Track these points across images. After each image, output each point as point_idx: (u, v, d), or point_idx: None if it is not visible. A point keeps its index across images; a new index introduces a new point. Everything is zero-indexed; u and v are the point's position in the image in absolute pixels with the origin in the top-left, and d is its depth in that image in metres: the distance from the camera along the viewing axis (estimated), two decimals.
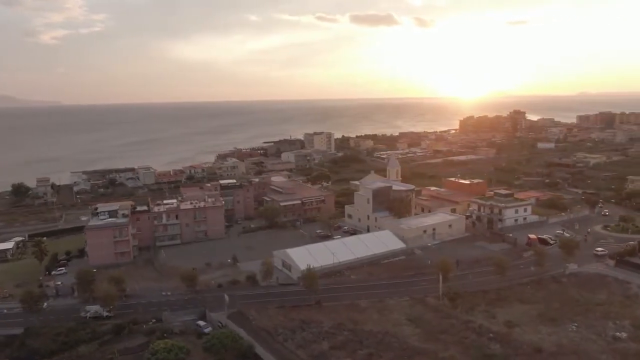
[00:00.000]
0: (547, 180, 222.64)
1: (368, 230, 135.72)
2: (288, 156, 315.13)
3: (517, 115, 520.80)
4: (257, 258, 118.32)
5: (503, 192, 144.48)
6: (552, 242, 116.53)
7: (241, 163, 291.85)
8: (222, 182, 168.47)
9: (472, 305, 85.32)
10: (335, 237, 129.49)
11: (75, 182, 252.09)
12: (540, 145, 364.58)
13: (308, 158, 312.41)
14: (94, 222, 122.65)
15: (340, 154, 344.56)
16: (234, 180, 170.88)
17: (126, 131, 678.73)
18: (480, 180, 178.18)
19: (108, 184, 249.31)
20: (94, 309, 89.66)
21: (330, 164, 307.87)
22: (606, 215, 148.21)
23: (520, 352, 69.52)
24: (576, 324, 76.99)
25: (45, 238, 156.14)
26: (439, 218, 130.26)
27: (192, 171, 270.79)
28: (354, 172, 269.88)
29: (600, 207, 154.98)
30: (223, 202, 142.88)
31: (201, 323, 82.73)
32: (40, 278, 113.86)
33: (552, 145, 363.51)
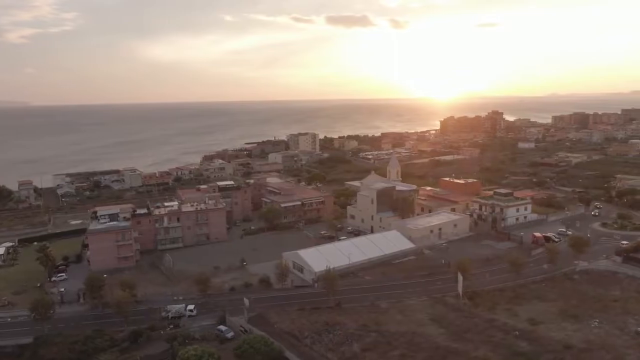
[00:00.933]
0: (534, 180, 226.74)
1: (372, 231, 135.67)
2: (275, 157, 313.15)
3: (495, 116, 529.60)
4: (264, 260, 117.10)
5: (503, 191, 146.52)
6: (556, 240, 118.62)
7: (228, 164, 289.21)
8: (219, 183, 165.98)
9: (493, 304, 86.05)
10: (341, 238, 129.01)
11: (58, 185, 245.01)
12: (520, 145, 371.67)
13: (295, 159, 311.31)
14: (95, 225, 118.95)
15: (326, 155, 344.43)
16: (232, 182, 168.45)
17: (104, 132, 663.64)
18: (475, 180, 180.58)
19: (93, 187, 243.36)
20: (175, 308, 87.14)
21: (317, 164, 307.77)
22: (596, 215, 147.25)
23: (550, 349, 70.21)
24: (597, 320, 78.35)
25: (36, 243, 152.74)
26: (443, 218, 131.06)
27: (179, 173, 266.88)
28: (342, 173, 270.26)
29: (599, 206, 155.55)
30: (224, 204, 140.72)
31: (222, 328, 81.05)
32: (38, 285, 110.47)
33: (532, 145, 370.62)
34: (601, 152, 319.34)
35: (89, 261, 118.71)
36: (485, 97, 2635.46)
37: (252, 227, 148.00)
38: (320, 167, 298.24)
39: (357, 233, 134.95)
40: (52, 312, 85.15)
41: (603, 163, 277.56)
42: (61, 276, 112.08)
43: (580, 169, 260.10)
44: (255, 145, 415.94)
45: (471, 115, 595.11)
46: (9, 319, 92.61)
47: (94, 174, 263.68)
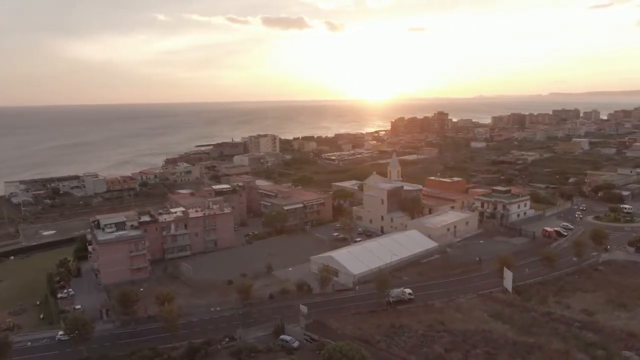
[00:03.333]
0: (502, 177, 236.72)
1: (382, 231, 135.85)
2: (241, 159, 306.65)
3: (442, 117, 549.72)
4: (286, 265, 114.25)
5: (501, 188, 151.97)
6: (565, 234, 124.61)
7: (194, 167, 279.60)
8: (215, 187, 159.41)
9: (542, 297, 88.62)
10: (356, 239, 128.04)
11: (12, 193, 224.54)
12: (473, 144, 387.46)
13: (262, 161, 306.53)
14: (103, 236, 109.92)
15: (289, 157, 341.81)
16: (228, 185, 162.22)
17: (41, 135, 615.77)
18: (460, 179, 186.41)
19: (52, 194, 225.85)
20: (395, 292, 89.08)
21: (284, 166, 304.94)
22: (580, 218, 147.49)
23: (616, 338, 73.28)
24: None
25: (12, 257, 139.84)
26: (454, 216, 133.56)
27: (144, 177, 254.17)
28: (311, 174, 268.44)
29: (583, 208, 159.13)
30: (231, 209, 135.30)
31: (287, 338, 77.30)
32: (38, 303, 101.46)
33: (483, 144, 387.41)
34: (548, 150, 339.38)
35: (96, 274, 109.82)
36: (417, 98, 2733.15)
37: (255, 232, 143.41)
38: (289, 168, 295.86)
39: (369, 234, 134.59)
40: (92, 331, 77.65)
41: (555, 160, 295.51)
42: (69, 292, 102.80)
43: (537, 166, 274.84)
44: (211, 147, 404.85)
45: (408, 116, 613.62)
46: (29, 343, 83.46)
47: (51, 180, 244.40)
